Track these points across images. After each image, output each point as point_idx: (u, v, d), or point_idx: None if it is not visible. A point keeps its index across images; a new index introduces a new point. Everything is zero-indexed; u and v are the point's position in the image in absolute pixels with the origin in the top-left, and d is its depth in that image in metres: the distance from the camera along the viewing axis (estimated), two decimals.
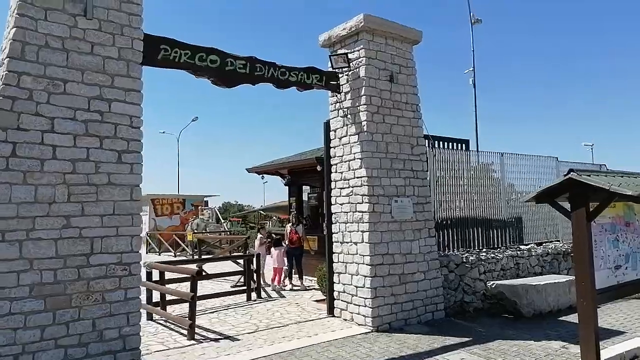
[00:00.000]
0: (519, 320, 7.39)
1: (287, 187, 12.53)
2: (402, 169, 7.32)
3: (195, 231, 23.70)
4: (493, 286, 7.86)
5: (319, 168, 10.74)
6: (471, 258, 8.15)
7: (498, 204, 9.46)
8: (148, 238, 25.03)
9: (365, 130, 6.97)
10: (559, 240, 10.39)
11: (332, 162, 7.65)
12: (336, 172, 7.54)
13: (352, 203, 7.15)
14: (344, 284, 7.25)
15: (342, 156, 7.41)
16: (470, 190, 9.09)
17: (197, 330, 6.86)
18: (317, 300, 8.62)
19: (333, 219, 7.56)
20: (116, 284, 4.75)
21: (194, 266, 12.72)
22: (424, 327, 6.97)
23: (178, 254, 21.97)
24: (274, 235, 11.61)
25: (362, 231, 6.93)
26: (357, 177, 7.05)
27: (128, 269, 4.85)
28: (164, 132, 42.86)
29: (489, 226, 9.25)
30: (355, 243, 7.04)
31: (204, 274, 12.20)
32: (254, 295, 9.56)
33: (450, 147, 8.87)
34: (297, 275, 10.73)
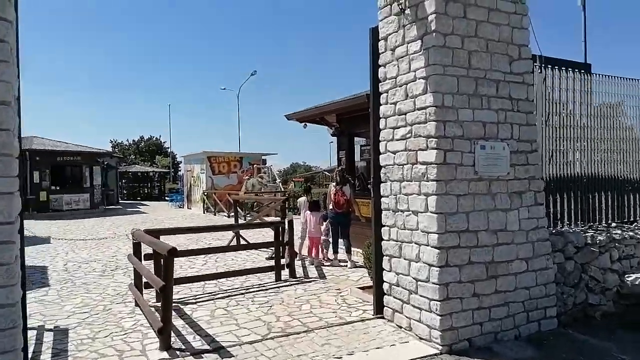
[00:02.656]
0: None
1: (335, 138, 10.08)
2: (494, 96, 4.57)
3: (250, 191, 22.29)
4: (637, 282, 5.03)
5: None
6: (600, 238, 5.29)
7: (637, 157, 6.36)
8: (205, 197, 24.12)
9: (433, 29, 4.26)
10: None
11: (381, 89, 5.05)
12: (387, 103, 4.95)
13: (410, 150, 4.57)
14: (397, 274, 4.80)
15: (395, 77, 4.78)
16: (594, 135, 6.08)
17: (183, 331, 4.82)
18: (363, 288, 6.26)
19: (382, 176, 5.04)
20: None
21: (229, 235, 10.94)
22: (526, 346, 4.39)
23: (232, 214, 20.66)
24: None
25: (425, 194, 4.38)
26: (420, 109, 4.43)
27: None
28: (224, 89, 41.78)
29: (622, 189, 6.23)
30: (416, 213, 4.51)
31: (240, 242, 10.42)
32: (285, 273, 7.44)
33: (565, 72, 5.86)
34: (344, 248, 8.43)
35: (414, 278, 4.53)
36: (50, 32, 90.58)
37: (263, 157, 27.82)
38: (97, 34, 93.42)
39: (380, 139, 5.03)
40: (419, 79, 4.41)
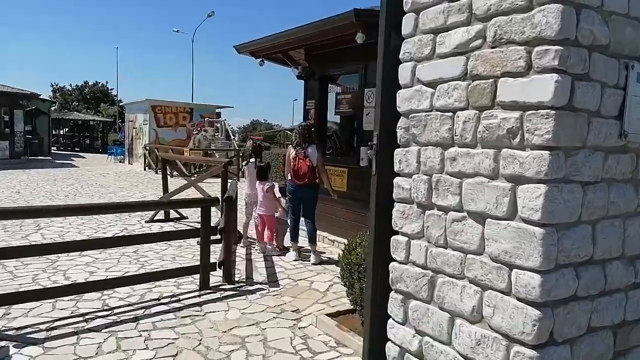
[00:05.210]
0: None
1: (302, 81, 7.41)
2: None
3: (196, 148, 19.40)
4: None
5: (359, 39, 5.53)
6: None
7: None
8: (146, 153, 20.95)
9: None
10: None
11: None
12: None
13: (478, 78, 2.03)
14: (421, 334, 2.37)
15: None
16: None
17: None
18: (337, 314, 3.85)
19: (400, 133, 2.49)
20: None
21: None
22: None
23: (175, 174, 17.77)
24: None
25: (514, 178, 1.89)
26: None
27: None
28: (177, 31, 37.43)
29: None
30: (481, 217, 2.03)
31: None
32: (219, 274, 4.91)
33: None
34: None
35: (463, 357, 2.11)
36: None
37: (217, 110, 24.69)
38: None
39: (401, 57, 2.45)
40: None
